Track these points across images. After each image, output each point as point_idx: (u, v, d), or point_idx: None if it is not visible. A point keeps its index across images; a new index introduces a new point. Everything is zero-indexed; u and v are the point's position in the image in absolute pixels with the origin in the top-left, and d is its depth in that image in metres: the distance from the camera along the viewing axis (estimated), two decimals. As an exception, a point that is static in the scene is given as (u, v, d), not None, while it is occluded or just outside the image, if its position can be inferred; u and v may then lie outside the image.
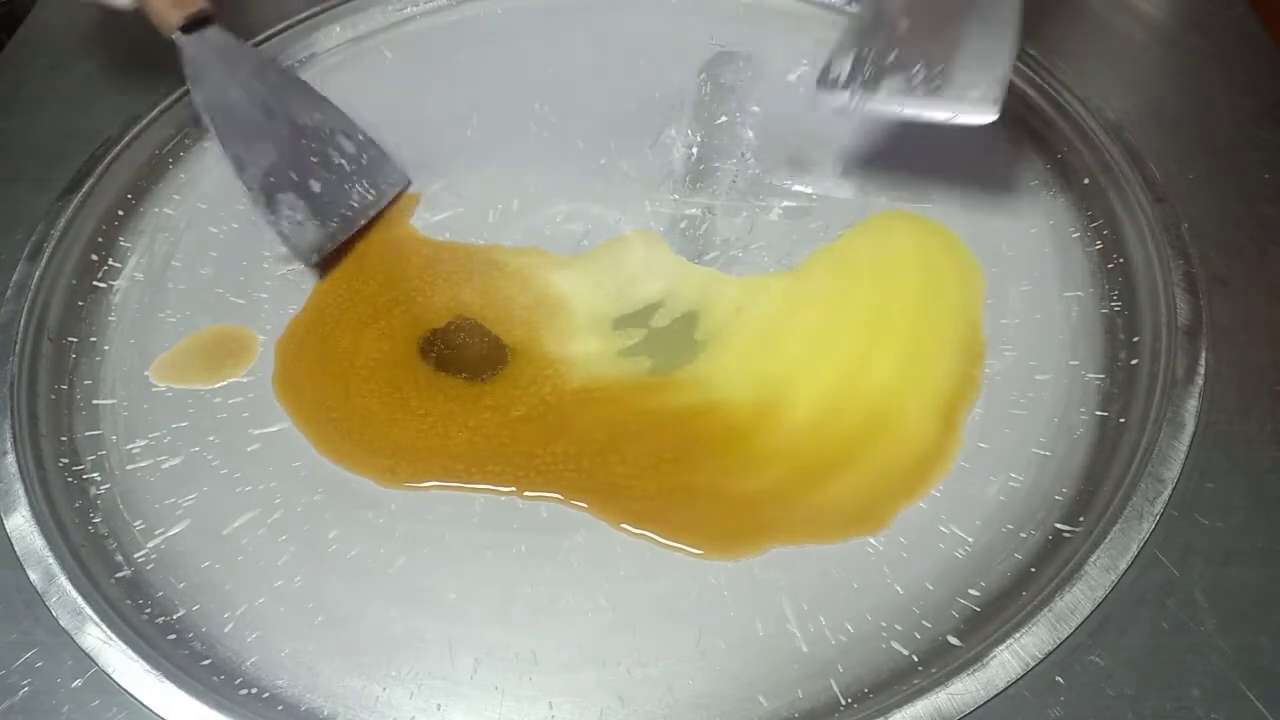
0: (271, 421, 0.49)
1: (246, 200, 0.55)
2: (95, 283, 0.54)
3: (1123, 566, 0.41)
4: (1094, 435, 0.46)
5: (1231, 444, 0.44)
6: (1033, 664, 0.39)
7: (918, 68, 0.46)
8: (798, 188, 0.56)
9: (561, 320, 0.52)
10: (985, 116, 0.46)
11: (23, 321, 0.51)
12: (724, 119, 0.59)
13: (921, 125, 0.48)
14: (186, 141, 0.60)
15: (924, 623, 0.42)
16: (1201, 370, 0.46)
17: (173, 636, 0.43)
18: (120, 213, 0.56)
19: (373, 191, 0.55)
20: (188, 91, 0.61)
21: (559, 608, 0.43)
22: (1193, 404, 0.45)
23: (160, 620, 0.43)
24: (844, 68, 0.48)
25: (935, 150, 0.56)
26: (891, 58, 0.47)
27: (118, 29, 0.64)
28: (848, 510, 0.45)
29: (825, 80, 0.48)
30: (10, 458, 0.46)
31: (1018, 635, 0.40)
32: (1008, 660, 0.39)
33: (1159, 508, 0.42)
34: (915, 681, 0.40)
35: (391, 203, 0.56)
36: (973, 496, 0.45)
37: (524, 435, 0.48)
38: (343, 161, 0.53)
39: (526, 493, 0.46)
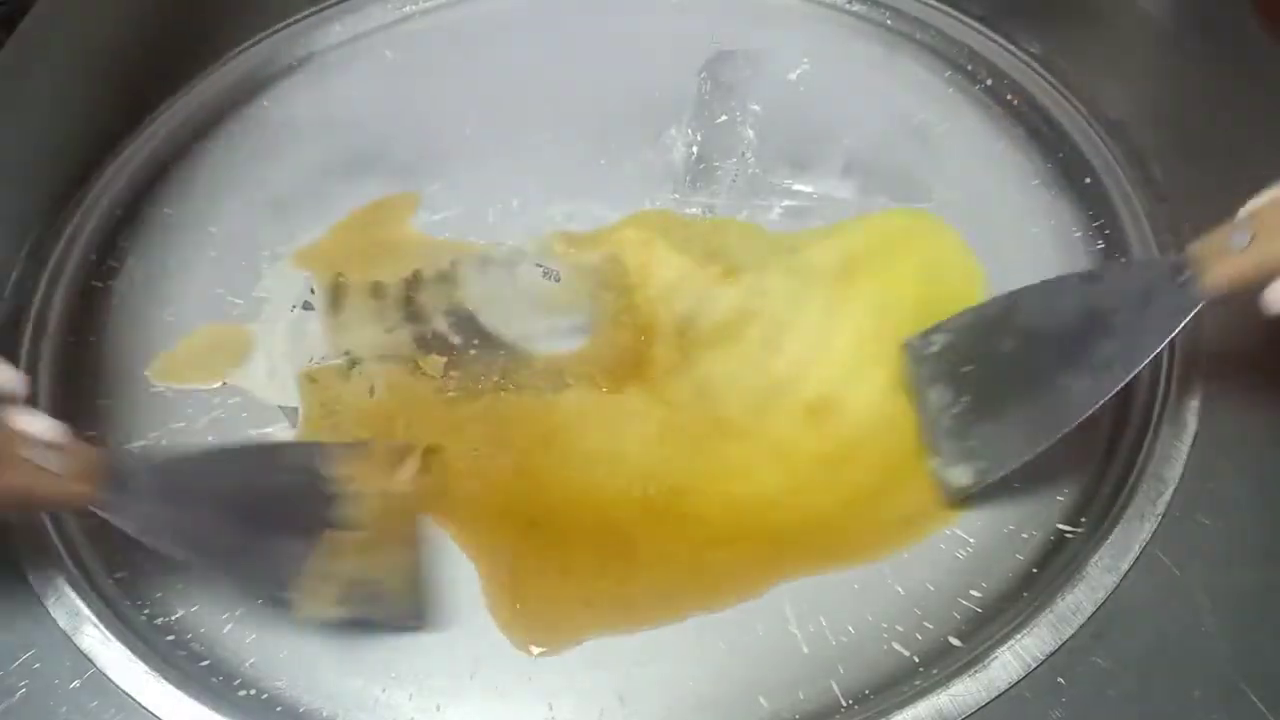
0: (271, 421, 0.49)
1: (241, 201, 0.55)
2: (95, 283, 0.54)
3: (1124, 567, 0.41)
4: (1094, 435, 0.46)
5: (1232, 444, 0.44)
6: (1034, 665, 0.39)
7: (945, 415, 0.45)
8: (798, 187, 0.56)
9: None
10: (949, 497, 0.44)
11: (23, 321, 0.51)
12: (724, 119, 0.59)
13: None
14: (187, 141, 0.60)
15: (925, 624, 0.42)
16: (1201, 370, 0.46)
17: (171, 637, 0.43)
18: (120, 213, 0.56)
19: None
20: (190, 90, 0.61)
21: (559, 608, 0.43)
22: (1193, 404, 0.45)
23: (159, 621, 0.43)
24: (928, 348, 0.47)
25: (935, 150, 0.56)
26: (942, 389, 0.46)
27: (117, 29, 0.64)
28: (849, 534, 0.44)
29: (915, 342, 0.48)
30: (9, 458, 0.46)
31: (1019, 636, 0.40)
32: (1009, 661, 0.39)
33: (1160, 508, 0.42)
34: (916, 682, 0.40)
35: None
36: (973, 496, 0.45)
37: (523, 434, 0.48)
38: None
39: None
